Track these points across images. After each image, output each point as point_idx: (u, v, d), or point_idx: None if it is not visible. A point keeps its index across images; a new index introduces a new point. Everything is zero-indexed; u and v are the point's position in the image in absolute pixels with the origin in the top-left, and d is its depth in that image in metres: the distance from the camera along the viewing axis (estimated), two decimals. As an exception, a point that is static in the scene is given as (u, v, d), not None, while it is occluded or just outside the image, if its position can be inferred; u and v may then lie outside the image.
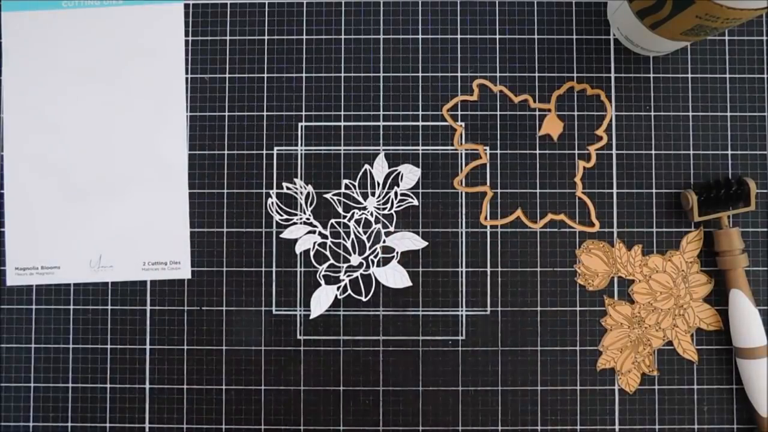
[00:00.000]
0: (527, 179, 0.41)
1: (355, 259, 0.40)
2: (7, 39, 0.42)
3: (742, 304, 0.39)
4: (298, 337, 0.41)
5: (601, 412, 0.41)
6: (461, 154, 0.42)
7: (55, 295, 0.41)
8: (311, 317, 0.41)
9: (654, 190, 0.41)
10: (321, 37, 0.42)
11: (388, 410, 0.41)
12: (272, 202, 0.41)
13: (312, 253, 0.41)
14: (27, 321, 0.41)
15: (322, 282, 0.41)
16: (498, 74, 0.42)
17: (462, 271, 0.41)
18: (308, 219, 0.41)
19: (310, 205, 0.41)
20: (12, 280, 0.41)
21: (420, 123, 0.42)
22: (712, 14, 0.33)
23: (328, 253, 0.41)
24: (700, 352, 0.41)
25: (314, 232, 0.41)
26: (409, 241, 0.41)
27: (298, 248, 0.41)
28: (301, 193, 0.41)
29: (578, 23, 0.42)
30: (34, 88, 0.42)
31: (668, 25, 0.36)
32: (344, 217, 0.41)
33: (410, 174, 0.41)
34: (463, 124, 0.42)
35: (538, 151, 0.42)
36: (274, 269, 0.41)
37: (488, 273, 0.41)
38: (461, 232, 0.41)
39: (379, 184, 0.41)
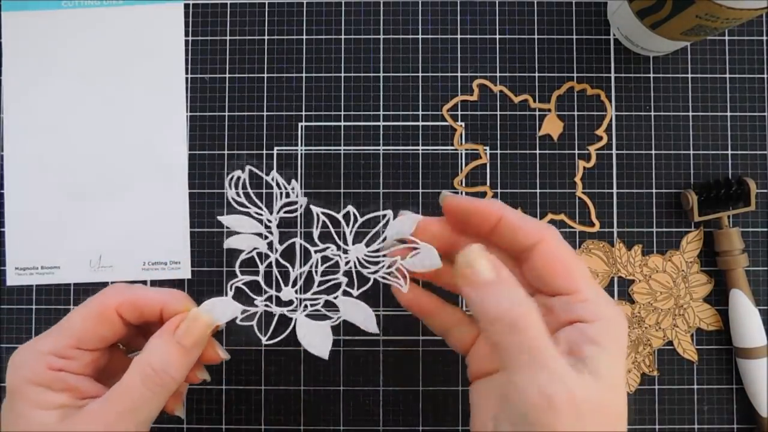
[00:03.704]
0: (527, 179, 0.41)
1: (287, 293, 0.31)
2: (7, 39, 0.42)
3: (742, 304, 0.39)
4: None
5: (601, 412, 0.40)
6: (461, 154, 0.42)
7: (55, 295, 0.41)
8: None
9: (654, 190, 0.41)
10: (321, 37, 0.42)
11: (388, 410, 0.41)
12: (238, 177, 0.30)
13: (240, 258, 0.31)
14: (27, 321, 0.41)
15: (231, 293, 0.30)
16: (498, 74, 0.42)
17: (462, 271, 0.41)
18: (269, 222, 0.31)
19: (286, 213, 0.31)
20: (12, 280, 0.41)
21: (420, 123, 0.42)
22: (712, 14, 0.33)
23: (261, 268, 0.30)
24: (700, 352, 0.41)
25: (262, 236, 0.30)
26: (361, 317, 0.31)
27: (228, 243, 0.31)
28: (287, 195, 0.31)
29: (578, 23, 0.42)
30: (34, 88, 0.42)
31: (668, 25, 0.36)
32: (314, 245, 0.31)
33: (426, 259, 0.29)
34: (463, 124, 0.42)
35: (538, 151, 0.42)
36: (274, 269, 0.41)
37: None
38: (461, 232, 0.41)
39: (384, 239, 0.30)
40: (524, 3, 0.42)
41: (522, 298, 0.25)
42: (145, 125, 0.42)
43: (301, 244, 0.30)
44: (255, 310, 0.30)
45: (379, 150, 0.42)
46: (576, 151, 0.42)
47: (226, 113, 0.42)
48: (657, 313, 0.41)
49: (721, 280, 0.41)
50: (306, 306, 0.31)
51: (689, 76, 0.42)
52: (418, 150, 0.42)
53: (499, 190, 0.41)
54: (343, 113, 0.42)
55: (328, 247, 0.30)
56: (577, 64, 0.42)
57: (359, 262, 0.30)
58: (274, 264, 0.30)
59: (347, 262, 0.30)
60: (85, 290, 0.41)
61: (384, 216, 0.29)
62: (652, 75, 0.42)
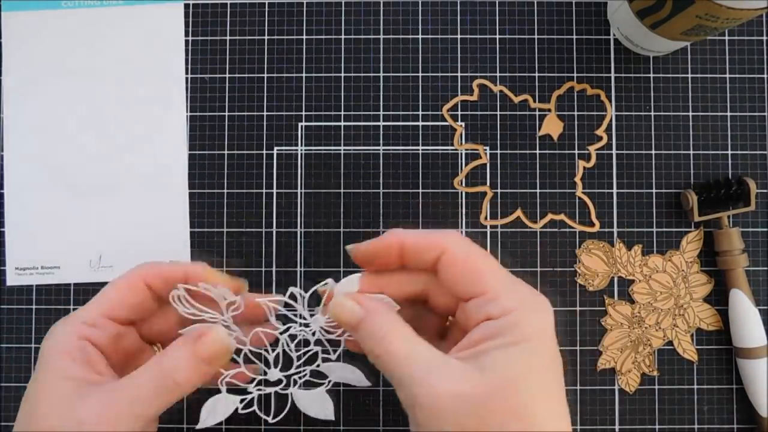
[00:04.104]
0: (527, 179, 0.41)
1: (273, 374, 0.31)
2: (7, 39, 0.42)
3: (742, 304, 0.39)
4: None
5: (601, 412, 0.40)
6: (461, 154, 0.42)
7: (55, 295, 0.41)
8: (197, 427, 0.31)
9: (654, 190, 0.41)
10: (321, 37, 0.42)
11: (388, 410, 0.41)
12: (178, 296, 0.29)
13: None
14: (27, 321, 0.41)
15: (223, 389, 0.30)
16: (498, 74, 0.42)
17: (462, 271, 0.41)
18: (225, 321, 0.30)
19: (234, 310, 0.30)
20: (12, 280, 0.41)
21: (420, 123, 0.42)
22: (712, 14, 0.33)
23: (241, 360, 0.30)
24: (700, 352, 0.41)
25: (231, 335, 0.29)
26: (350, 374, 0.32)
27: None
28: (224, 298, 0.29)
29: (578, 23, 0.42)
30: (34, 88, 0.42)
31: (668, 25, 0.36)
32: (276, 329, 0.30)
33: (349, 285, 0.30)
34: (463, 124, 0.42)
35: (538, 151, 0.42)
36: (274, 269, 0.41)
37: (488, 273, 0.41)
38: (461, 232, 0.41)
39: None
40: (524, 3, 0.42)
41: (384, 323, 0.26)
42: (145, 125, 0.42)
43: (263, 332, 0.30)
44: (251, 396, 0.31)
45: (379, 150, 0.42)
46: (576, 151, 0.42)
47: (226, 113, 0.42)
48: (657, 313, 0.41)
49: (721, 280, 0.41)
50: (295, 380, 0.31)
51: (689, 76, 0.42)
52: (418, 150, 0.42)
53: (499, 190, 0.41)
54: (343, 113, 0.42)
55: (289, 327, 0.30)
56: (577, 64, 0.42)
57: (324, 330, 0.30)
58: (248, 354, 0.30)
59: (314, 333, 0.30)
60: (85, 290, 0.41)
61: (326, 283, 0.29)
62: (652, 75, 0.42)
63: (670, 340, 0.41)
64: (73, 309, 0.41)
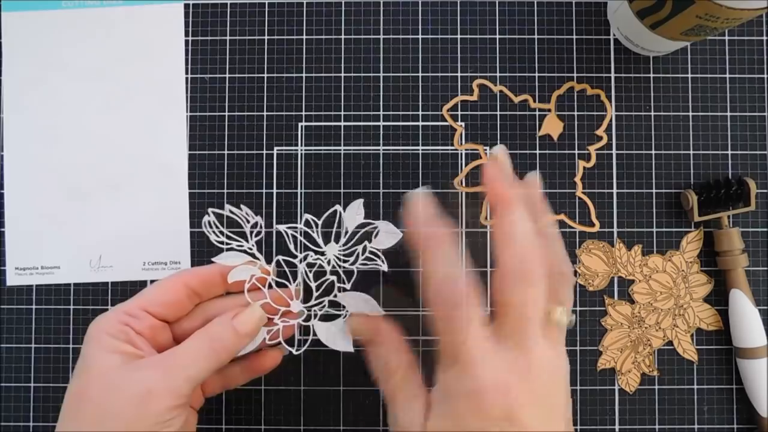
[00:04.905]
0: (527, 179, 0.41)
1: (295, 305, 0.33)
2: (7, 39, 0.42)
3: (742, 304, 0.39)
4: (298, 337, 0.41)
5: (601, 412, 0.41)
6: (461, 154, 0.42)
7: (55, 295, 0.41)
8: None
9: (654, 190, 0.41)
10: (321, 37, 0.42)
11: (388, 410, 0.41)
12: (209, 221, 0.34)
13: (247, 286, 0.34)
14: (27, 321, 0.41)
15: None
16: (498, 74, 0.42)
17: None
18: (251, 248, 0.34)
19: (256, 235, 0.34)
20: (12, 280, 0.41)
21: (420, 123, 0.42)
22: (712, 14, 0.33)
23: (265, 290, 0.33)
24: (700, 352, 0.41)
25: (255, 264, 0.33)
26: (363, 304, 0.34)
27: (231, 277, 0.34)
28: (247, 221, 0.34)
29: (578, 23, 0.42)
30: (34, 88, 0.42)
31: (668, 25, 0.36)
32: (295, 257, 0.34)
33: (388, 235, 0.33)
34: (463, 124, 0.42)
35: (538, 151, 0.42)
36: (274, 269, 0.41)
37: (488, 273, 0.41)
38: (461, 232, 0.41)
39: (347, 232, 0.33)
40: (524, 3, 0.42)
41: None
42: (145, 125, 0.42)
43: (283, 260, 0.34)
44: (277, 327, 0.33)
45: (379, 150, 0.42)
46: (576, 151, 0.42)
47: (226, 113, 0.42)
48: (657, 313, 0.41)
49: (721, 280, 0.41)
50: (316, 313, 0.34)
51: (689, 76, 0.42)
52: (418, 150, 0.42)
53: (499, 190, 0.41)
54: (343, 113, 0.42)
55: (307, 255, 0.33)
56: (577, 64, 0.42)
57: (337, 258, 0.33)
58: (273, 284, 0.33)
59: (329, 262, 0.33)
60: (85, 290, 0.41)
61: (336, 212, 0.33)
62: (652, 75, 0.42)
63: (670, 340, 0.41)
64: (73, 309, 0.41)
